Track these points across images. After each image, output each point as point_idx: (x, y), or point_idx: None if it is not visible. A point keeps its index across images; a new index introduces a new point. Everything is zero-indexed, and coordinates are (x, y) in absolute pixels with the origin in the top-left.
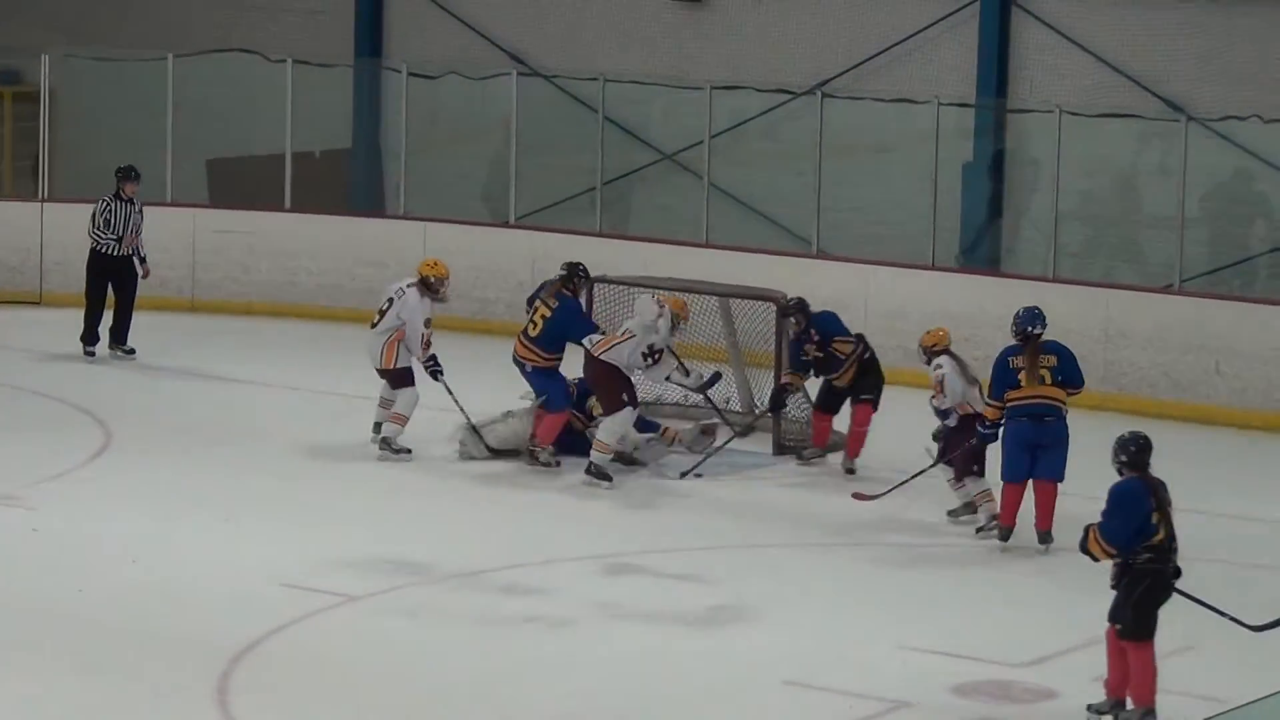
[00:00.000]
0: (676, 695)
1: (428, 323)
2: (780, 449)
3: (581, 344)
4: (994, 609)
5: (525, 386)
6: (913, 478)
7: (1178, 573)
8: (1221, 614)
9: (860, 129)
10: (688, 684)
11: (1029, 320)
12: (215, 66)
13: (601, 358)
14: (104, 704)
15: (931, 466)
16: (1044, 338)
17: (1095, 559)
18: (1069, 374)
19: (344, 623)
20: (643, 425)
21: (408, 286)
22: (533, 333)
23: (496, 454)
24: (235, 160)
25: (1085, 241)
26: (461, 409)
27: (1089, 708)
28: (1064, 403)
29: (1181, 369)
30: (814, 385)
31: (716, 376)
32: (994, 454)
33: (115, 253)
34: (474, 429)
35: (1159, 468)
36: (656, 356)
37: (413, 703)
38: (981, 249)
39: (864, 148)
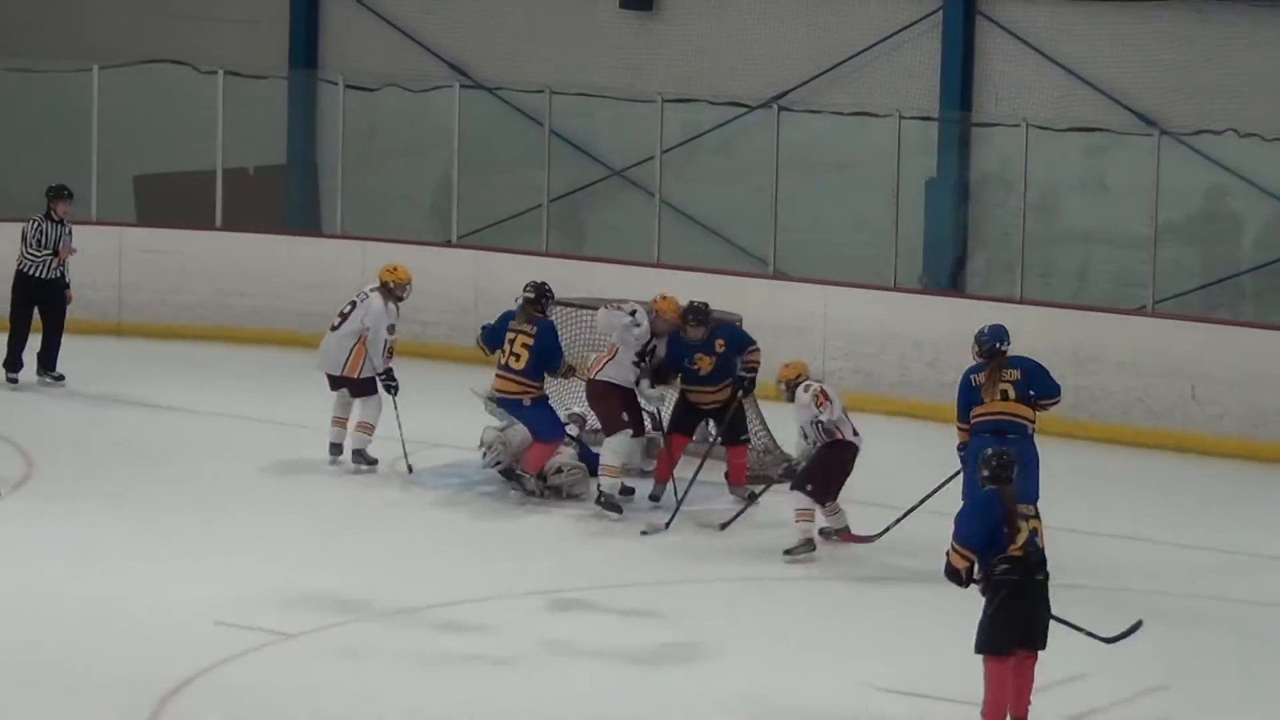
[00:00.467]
0: None
1: (391, 329)
2: None
3: (559, 374)
4: (956, 645)
5: (471, 416)
6: (902, 518)
7: (1041, 583)
8: (1078, 629)
9: (819, 144)
10: None
11: (996, 337)
12: (143, 78)
13: (598, 378)
14: None
15: (917, 507)
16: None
17: (958, 573)
18: (1039, 386)
19: (277, 662)
20: (583, 453)
21: (371, 291)
22: (518, 365)
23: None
24: (164, 177)
25: (1054, 261)
26: (400, 431)
27: None
28: (1030, 420)
29: (1155, 395)
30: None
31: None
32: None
33: (45, 275)
34: (404, 454)
35: (1133, 497)
36: (649, 357)
37: None
38: (945, 269)
39: (823, 163)
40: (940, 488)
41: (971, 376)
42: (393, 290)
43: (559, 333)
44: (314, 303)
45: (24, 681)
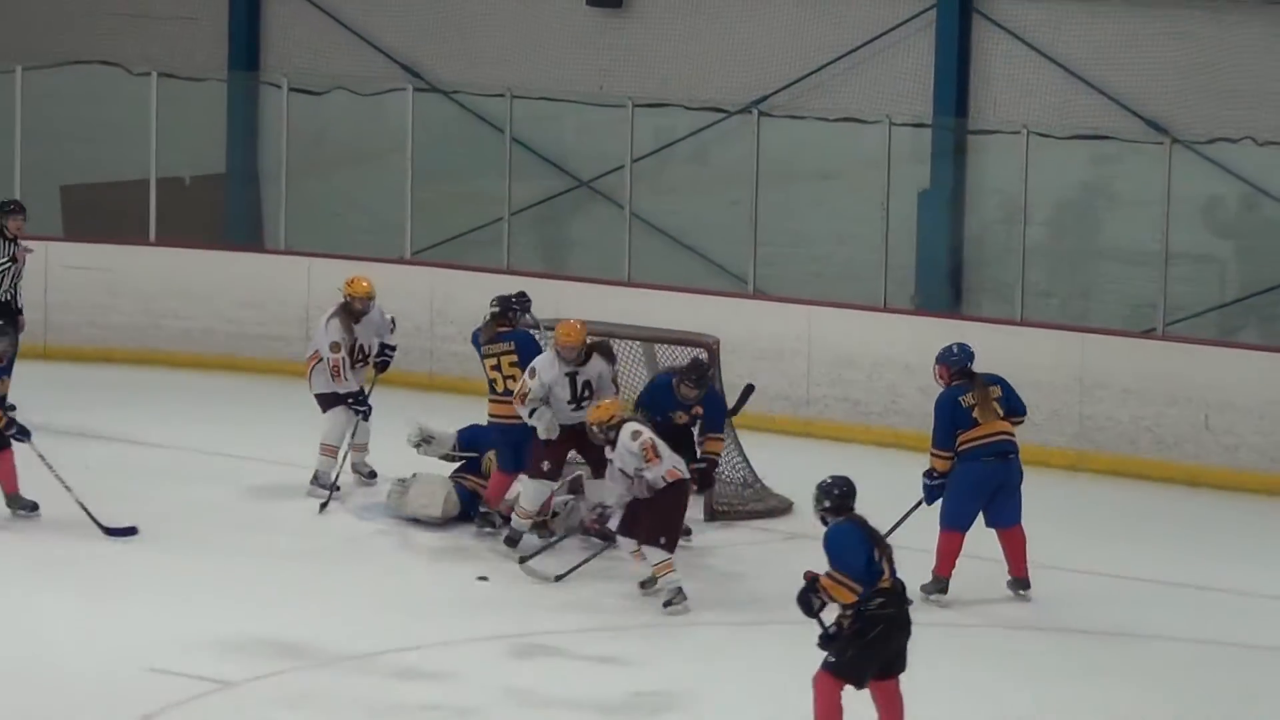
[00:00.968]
0: None
1: (334, 347)
2: (712, 514)
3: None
4: (944, 691)
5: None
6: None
7: (908, 613)
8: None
9: (802, 152)
10: None
11: (967, 355)
12: (70, 80)
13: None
14: None
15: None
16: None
17: (834, 602)
18: (1014, 403)
19: (219, 712)
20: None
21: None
22: (510, 386)
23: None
24: (93, 187)
25: (1057, 279)
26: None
27: None
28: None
29: (1166, 424)
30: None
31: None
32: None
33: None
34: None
35: (1140, 533)
36: (587, 393)
37: None
38: (939, 288)
39: (807, 173)
40: (903, 520)
41: (960, 398)
42: (348, 304)
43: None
44: (255, 323)
45: None
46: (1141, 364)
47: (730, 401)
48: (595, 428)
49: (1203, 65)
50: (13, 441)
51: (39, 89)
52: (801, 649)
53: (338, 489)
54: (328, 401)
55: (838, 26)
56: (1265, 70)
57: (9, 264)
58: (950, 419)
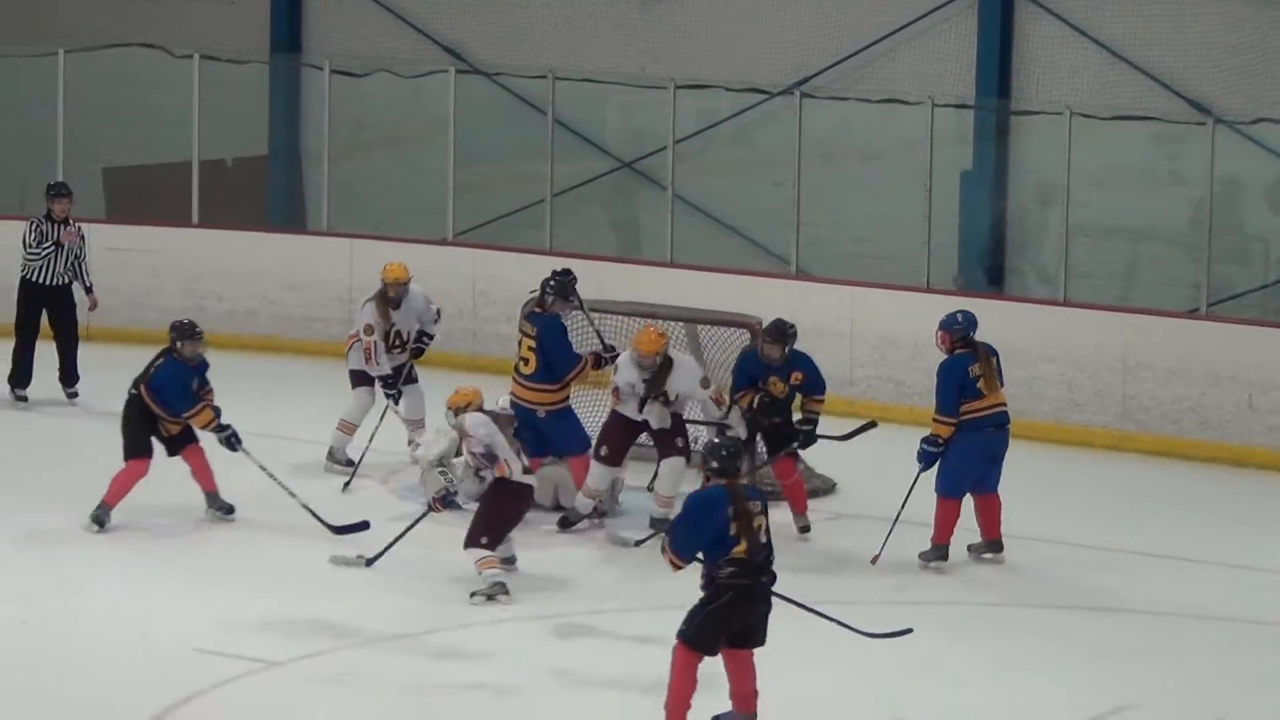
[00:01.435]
0: None
1: (368, 329)
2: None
3: (572, 377)
4: (997, 675)
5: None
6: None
7: (766, 585)
8: (831, 620)
9: (845, 133)
10: None
11: (970, 324)
12: (113, 63)
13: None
14: None
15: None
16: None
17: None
18: (1000, 374)
19: (262, 691)
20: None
21: None
22: (526, 370)
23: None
24: (136, 169)
25: (1099, 260)
26: (367, 444)
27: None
28: None
29: (1209, 404)
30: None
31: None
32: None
33: (50, 280)
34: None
35: (1183, 514)
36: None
37: None
38: (982, 269)
39: (849, 154)
40: (909, 494)
41: (968, 367)
42: (384, 290)
43: (568, 331)
44: (298, 305)
45: None
46: (1185, 344)
47: (847, 429)
48: (451, 411)
49: (1246, 46)
50: (228, 445)
51: (81, 72)
52: (838, 629)
53: (355, 465)
54: (358, 379)
55: (880, 7)
56: None
57: (51, 248)
58: (959, 387)
